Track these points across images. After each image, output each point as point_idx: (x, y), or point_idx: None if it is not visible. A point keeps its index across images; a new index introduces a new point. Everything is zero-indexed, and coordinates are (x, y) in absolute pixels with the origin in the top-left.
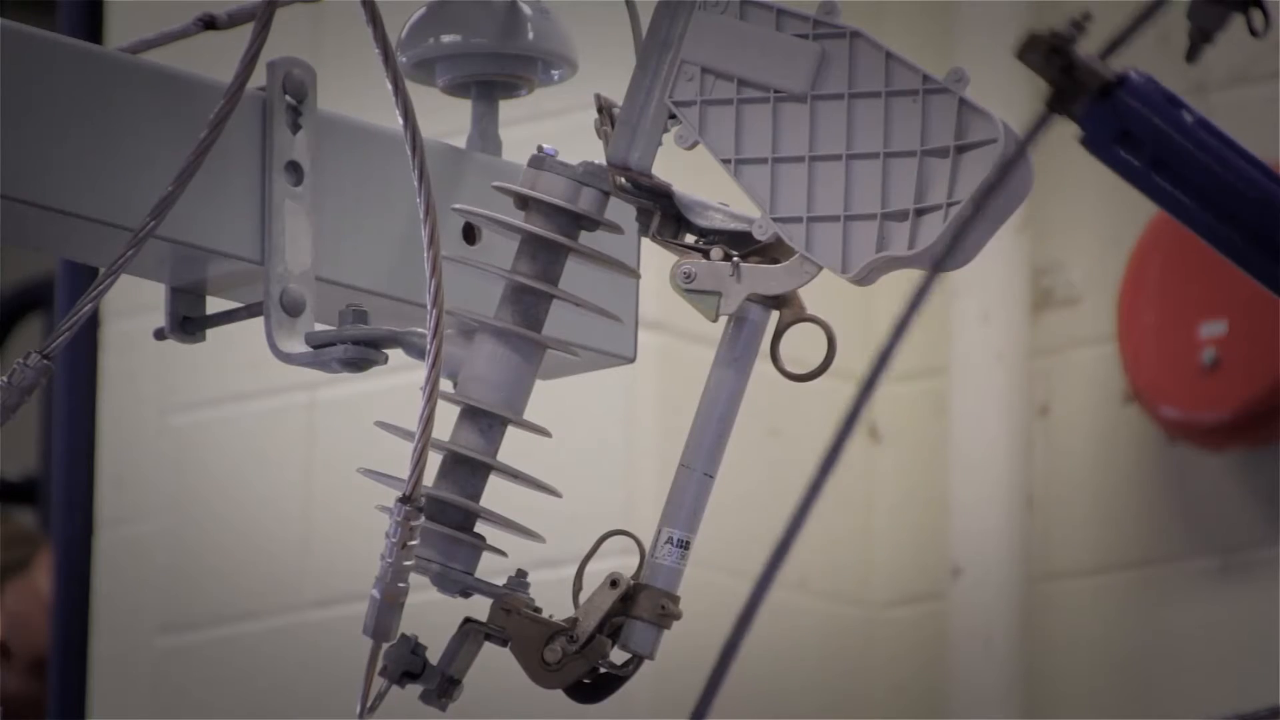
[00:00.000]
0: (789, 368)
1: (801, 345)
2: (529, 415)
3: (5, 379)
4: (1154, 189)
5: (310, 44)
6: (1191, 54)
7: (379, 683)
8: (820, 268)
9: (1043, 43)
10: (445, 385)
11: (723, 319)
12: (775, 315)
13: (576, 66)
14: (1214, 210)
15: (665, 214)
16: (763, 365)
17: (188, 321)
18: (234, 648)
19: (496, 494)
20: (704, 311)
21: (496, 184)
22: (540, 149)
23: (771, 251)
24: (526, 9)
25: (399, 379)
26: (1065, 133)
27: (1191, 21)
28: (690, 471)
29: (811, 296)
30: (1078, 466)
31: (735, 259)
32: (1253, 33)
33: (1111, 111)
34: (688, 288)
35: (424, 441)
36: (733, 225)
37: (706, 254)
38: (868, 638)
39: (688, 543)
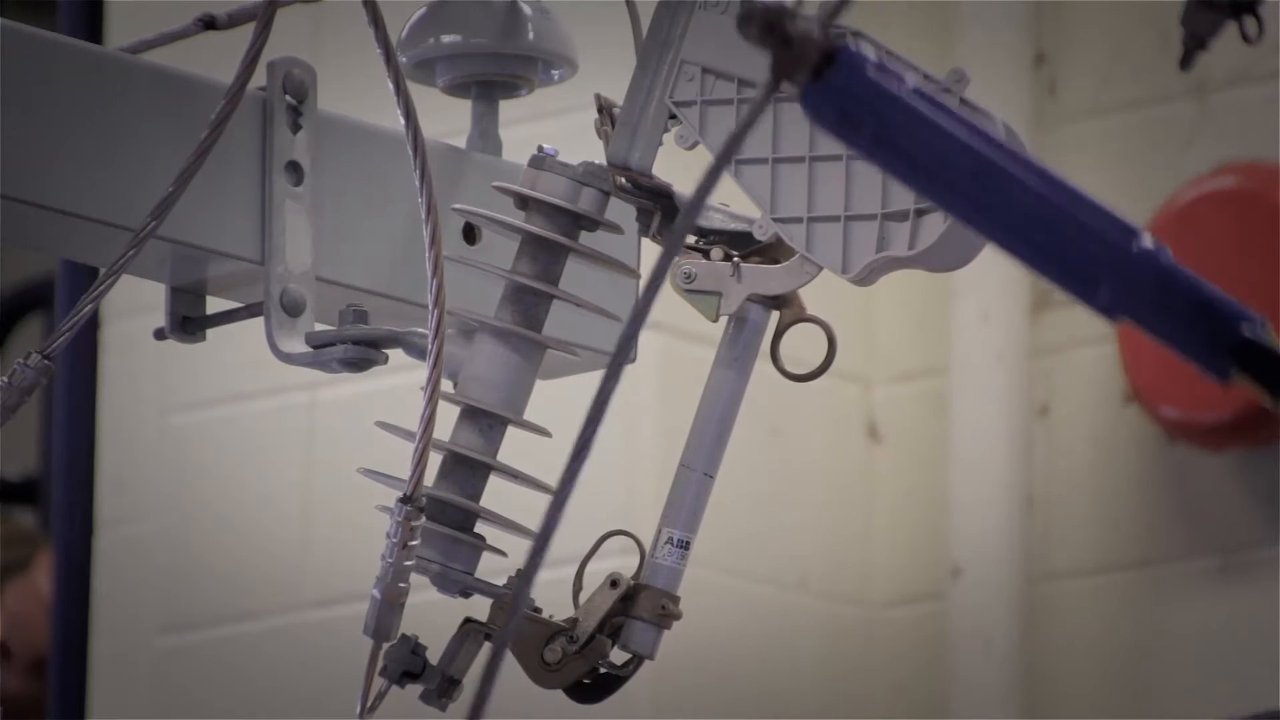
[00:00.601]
0: (789, 368)
1: (801, 345)
2: (529, 415)
3: (5, 379)
4: (880, 163)
5: (310, 44)
6: (1185, 61)
7: (379, 683)
8: (820, 268)
9: (757, 18)
10: (445, 385)
11: (723, 319)
12: (775, 315)
13: (576, 66)
14: (939, 185)
15: (665, 214)
16: (763, 365)
17: (188, 321)
18: (234, 648)
19: (496, 494)
20: (704, 311)
21: (496, 184)
22: (540, 149)
23: (772, 252)
24: (526, 9)
25: (399, 379)
26: (1065, 133)
27: (1185, 28)
28: (690, 472)
29: (811, 296)
30: (1078, 466)
31: (735, 259)
32: (1245, 39)
33: (826, 90)
34: (688, 288)
35: (425, 442)
36: (733, 225)
37: (707, 254)
38: (868, 638)
39: (688, 543)
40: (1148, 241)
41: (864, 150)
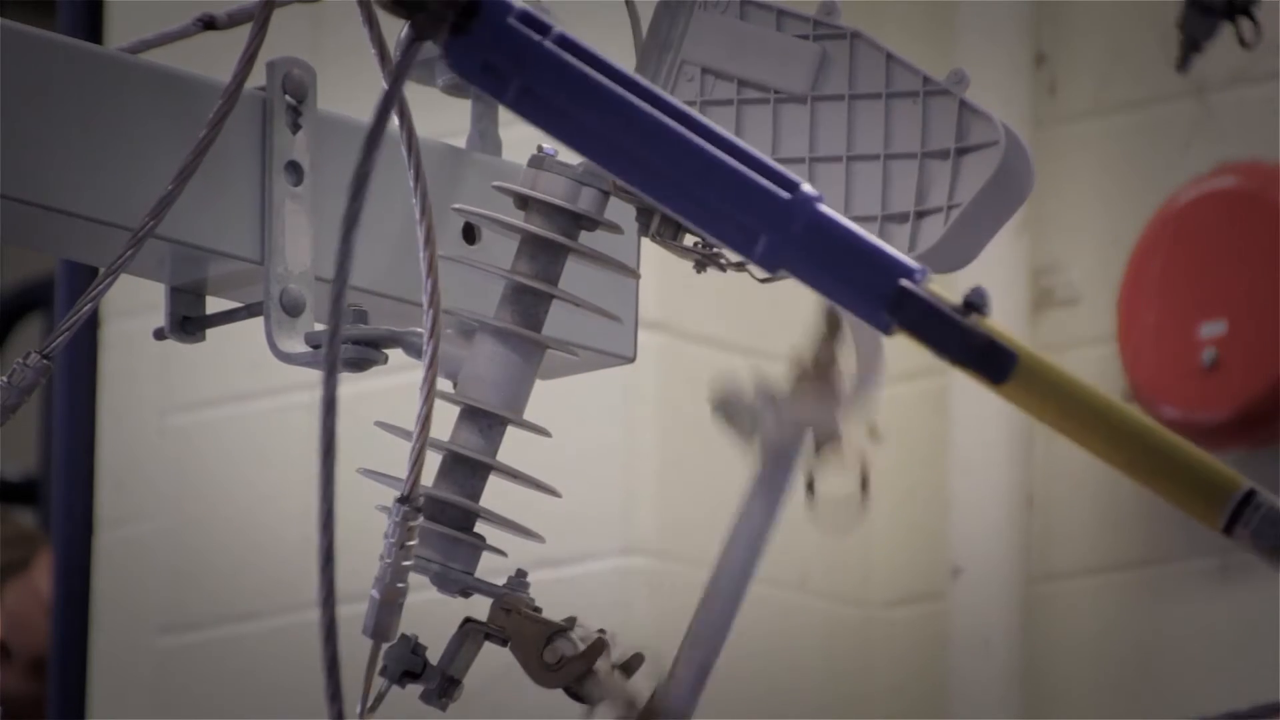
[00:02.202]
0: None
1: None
2: (529, 415)
3: (5, 379)
4: (530, 117)
5: (310, 44)
6: (1182, 63)
7: (379, 683)
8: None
9: None
10: (445, 385)
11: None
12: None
13: None
14: (591, 139)
15: (665, 214)
16: (761, 364)
17: (188, 321)
18: (234, 648)
19: (496, 494)
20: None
21: (496, 184)
22: (540, 149)
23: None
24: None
25: (399, 379)
26: (1065, 133)
27: (1182, 31)
28: (714, 603)
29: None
30: (1078, 466)
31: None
32: (1242, 42)
33: (467, 43)
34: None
35: (422, 441)
36: None
37: (706, 255)
38: (868, 638)
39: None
40: (809, 191)
41: (512, 104)
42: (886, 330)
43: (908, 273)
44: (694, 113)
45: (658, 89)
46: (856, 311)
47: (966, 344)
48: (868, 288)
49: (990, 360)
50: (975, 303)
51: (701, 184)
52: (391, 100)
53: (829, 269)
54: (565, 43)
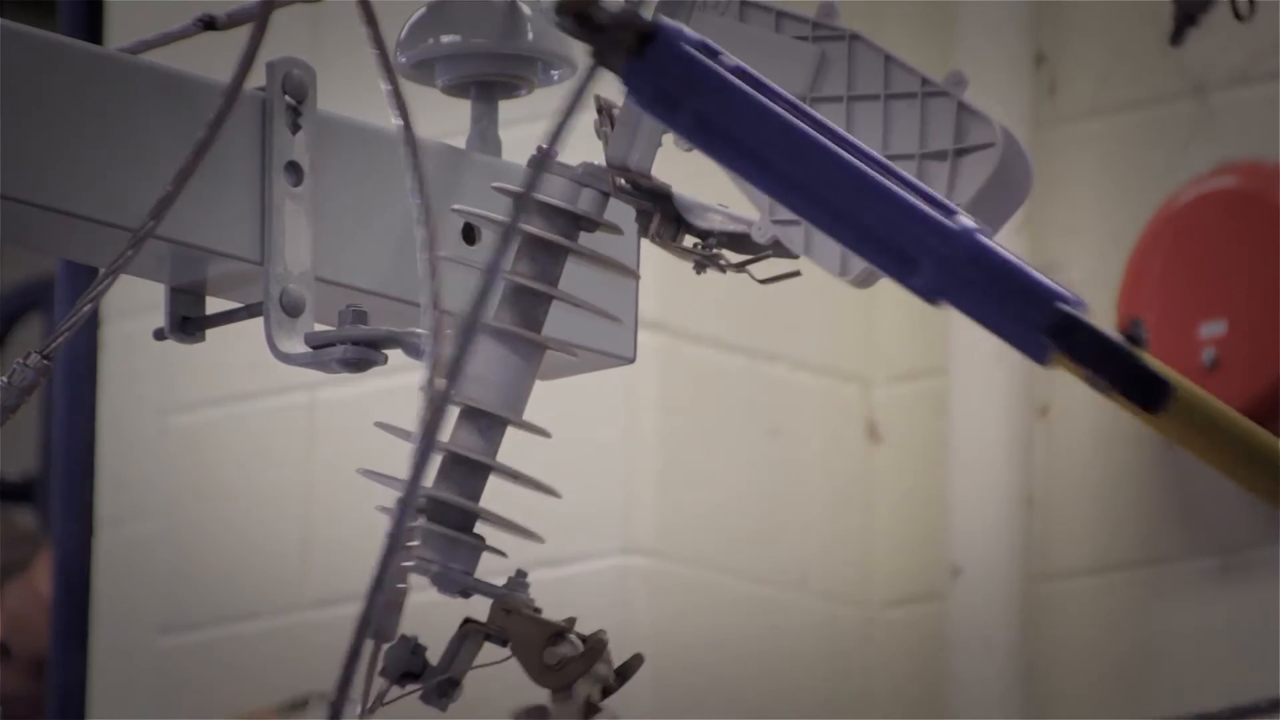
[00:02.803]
0: (790, 366)
1: (802, 346)
2: (529, 415)
3: (5, 379)
4: (702, 146)
5: (310, 44)
6: (1176, 37)
7: (379, 683)
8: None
9: (568, 7)
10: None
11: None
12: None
13: (576, 66)
14: (759, 166)
15: (665, 215)
16: (764, 365)
17: (188, 321)
18: (234, 648)
19: (496, 494)
20: None
21: (496, 184)
22: (540, 149)
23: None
24: (526, 9)
25: (399, 379)
26: (1065, 133)
27: (1177, 6)
28: None
29: (812, 296)
30: (1078, 466)
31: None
32: (1237, 16)
33: (644, 69)
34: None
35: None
36: (732, 227)
37: (706, 256)
38: (868, 638)
39: None
40: (965, 221)
41: (685, 132)
42: (1043, 359)
43: (1068, 301)
44: (858, 141)
45: (824, 118)
46: (1014, 339)
47: (1126, 373)
48: (1027, 315)
49: (1147, 390)
50: (1135, 335)
51: (867, 211)
52: (560, 133)
53: (989, 297)
54: (739, 71)
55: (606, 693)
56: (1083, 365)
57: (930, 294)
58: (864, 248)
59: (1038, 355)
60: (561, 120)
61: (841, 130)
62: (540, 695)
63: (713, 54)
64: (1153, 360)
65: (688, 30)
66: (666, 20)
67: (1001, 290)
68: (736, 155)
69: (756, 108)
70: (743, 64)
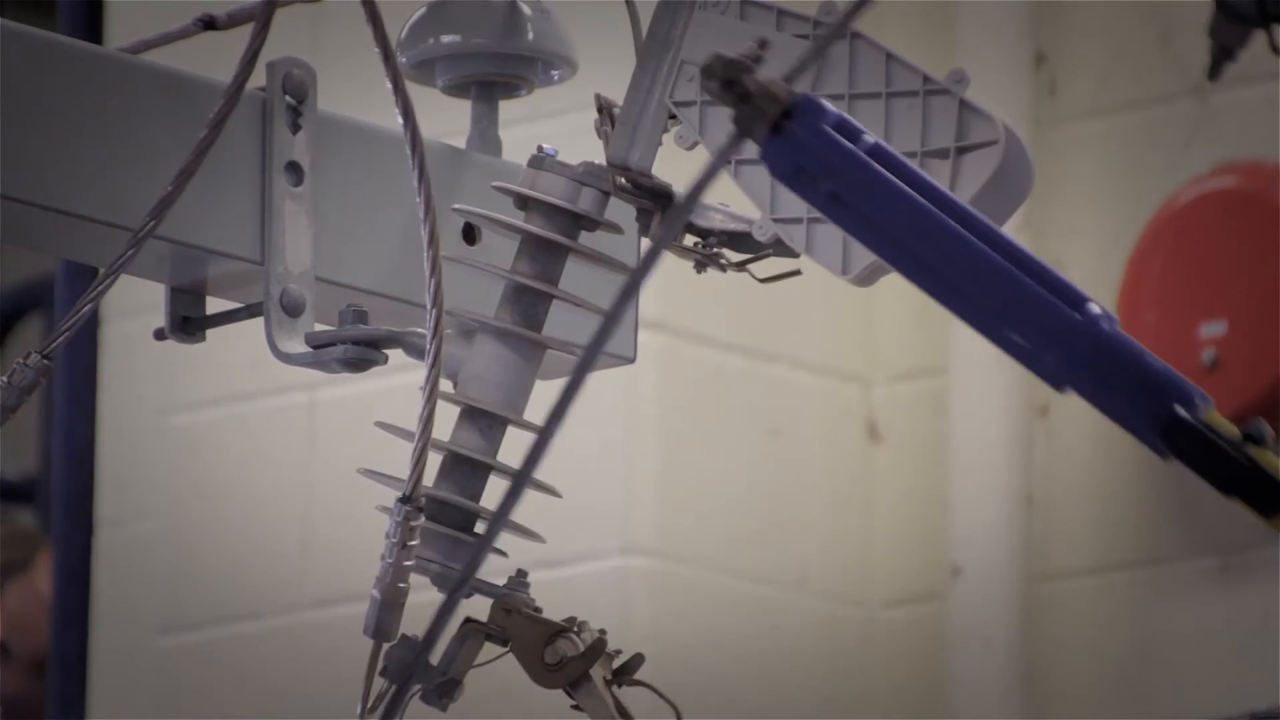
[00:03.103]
0: (789, 367)
1: (801, 345)
2: (529, 415)
3: (5, 379)
4: (834, 218)
5: (310, 44)
6: (1214, 72)
7: (379, 683)
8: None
9: (718, 72)
10: (445, 385)
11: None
12: None
13: (576, 66)
14: (891, 245)
15: (665, 214)
16: (762, 364)
17: (188, 321)
18: (234, 648)
19: (496, 494)
20: None
21: (496, 184)
22: (540, 149)
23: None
24: (526, 9)
25: (399, 379)
26: (1065, 133)
27: (1213, 39)
28: None
29: (812, 296)
30: (1078, 466)
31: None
32: (1275, 50)
33: (783, 145)
34: None
35: (424, 441)
36: (733, 226)
37: (706, 255)
38: (868, 638)
39: None
40: (1094, 310)
41: (820, 206)
42: (1163, 456)
43: (1187, 399)
44: (992, 224)
45: (961, 201)
46: (1136, 434)
47: (1241, 479)
48: (1146, 412)
49: (1264, 497)
50: (1255, 434)
51: (995, 298)
52: (697, 193)
53: (1113, 391)
54: (878, 153)
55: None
56: (1196, 468)
57: (1055, 381)
58: (991, 331)
59: (1159, 453)
60: (701, 181)
61: (974, 211)
62: (541, 695)
63: (852, 133)
64: (1270, 461)
65: (828, 107)
66: (809, 97)
67: (1124, 385)
68: (868, 234)
69: (889, 191)
70: (880, 142)
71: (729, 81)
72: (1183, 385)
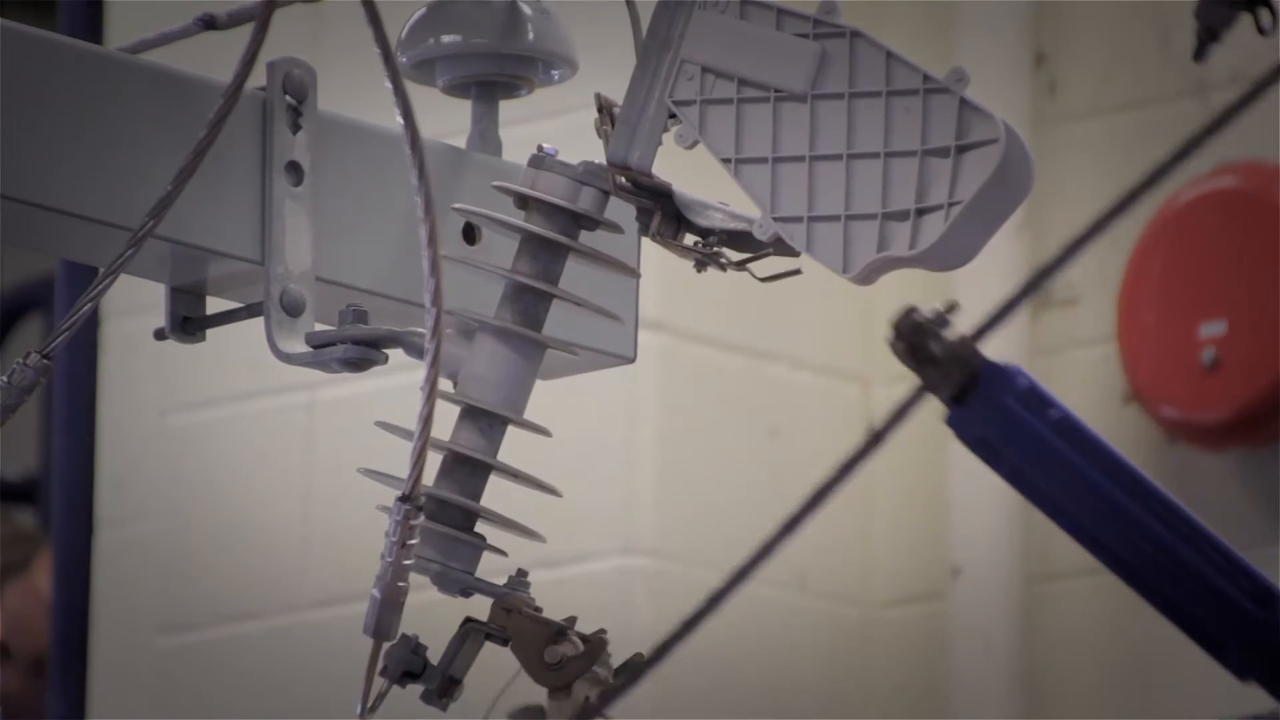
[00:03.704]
0: (788, 366)
1: (801, 345)
2: (529, 415)
3: (5, 379)
4: (1017, 489)
5: (310, 44)
6: (1199, 53)
7: (379, 683)
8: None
9: (905, 333)
10: (445, 385)
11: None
12: None
13: (576, 66)
14: (1073, 524)
15: (665, 213)
16: (762, 364)
17: (188, 321)
18: (234, 648)
19: (496, 494)
20: None
21: (496, 184)
22: (540, 149)
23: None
24: (526, 9)
25: (399, 379)
26: (1065, 133)
27: (1199, 21)
28: None
29: (812, 296)
30: None
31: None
32: (1260, 30)
33: (968, 415)
34: None
35: (423, 441)
36: (733, 225)
37: (706, 255)
38: (867, 638)
39: None
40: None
41: (1005, 477)
42: None
43: None
44: (1179, 505)
45: (1154, 483)
46: None
47: None
48: None
49: None
50: None
51: (1176, 589)
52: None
53: None
54: (1065, 426)
55: (606, 693)
56: None
57: (1240, 674)
58: (1172, 618)
59: None
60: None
61: (1158, 488)
62: (541, 694)
63: (1041, 403)
64: None
65: (1017, 376)
66: (999, 367)
67: None
68: (1051, 510)
69: (1072, 472)
70: (1069, 414)
71: (913, 347)
72: None
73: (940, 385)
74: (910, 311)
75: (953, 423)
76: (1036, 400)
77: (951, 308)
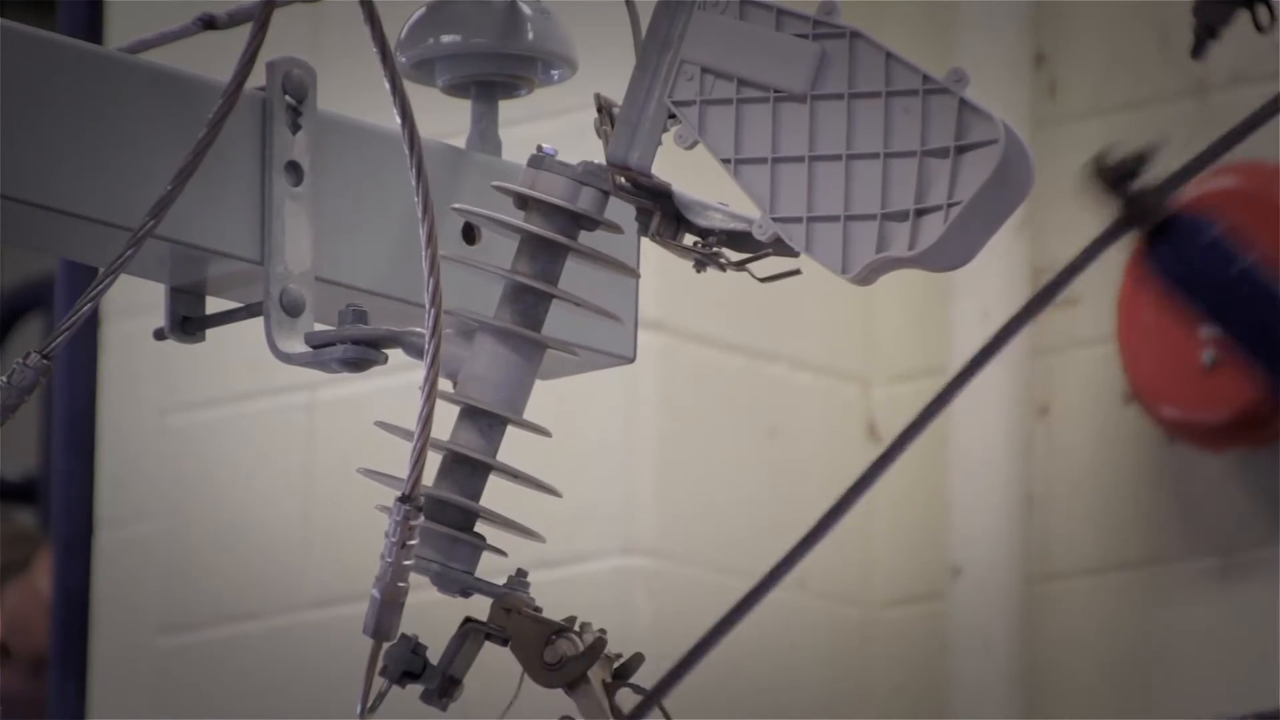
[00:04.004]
0: (789, 366)
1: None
2: (529, 415)
3: (5, 379)
4: (1218, 324)
5: (310, 44)
6: (1197, 50)
7: (379, 683)
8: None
9: (1106, 174)
10: (445, 385)
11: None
12: None
13: (576, 66)
14: (1262, 358)
15: (665, 214)
16: (762, 364)
17: (188, 321)
18: (234, 648)
19: (496, 494)
20: None
21: (496, 184)
22: (540, 149)
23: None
24: (526, 9)
25: (399, 379)
26: (1065, 133)
27: (1197, 18)
28: None
29: (812, 296)
30: (1078, 466)
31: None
32: (1258, 28)
33: (1161, 254)
34: None
35: (423, 441)
36: (732, 225)
37: (706, 255)
38: (867, 638)
39: None
40: None
41: (1195, 311)
42: None
43: None
44: None
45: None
46: None
47: None
48: None
49: None
50: None
51: None
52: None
53: None
54: (1253, 270)
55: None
56: None
57: None
58: None
59: None
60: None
61: None
62: (541, 694)
63: (1227, 258)
64: None
65: (1210, 223)
66: (1190, 206)
67: None
68: (1246, 343)
69: (1266, 302)
70: (1254, 264)
71: (1113, 186)
72: None
73: (1138, 221)
74: (1113, 149)
75: (1148, 256)
76: (1223, 247)
77: (1152, 149)
